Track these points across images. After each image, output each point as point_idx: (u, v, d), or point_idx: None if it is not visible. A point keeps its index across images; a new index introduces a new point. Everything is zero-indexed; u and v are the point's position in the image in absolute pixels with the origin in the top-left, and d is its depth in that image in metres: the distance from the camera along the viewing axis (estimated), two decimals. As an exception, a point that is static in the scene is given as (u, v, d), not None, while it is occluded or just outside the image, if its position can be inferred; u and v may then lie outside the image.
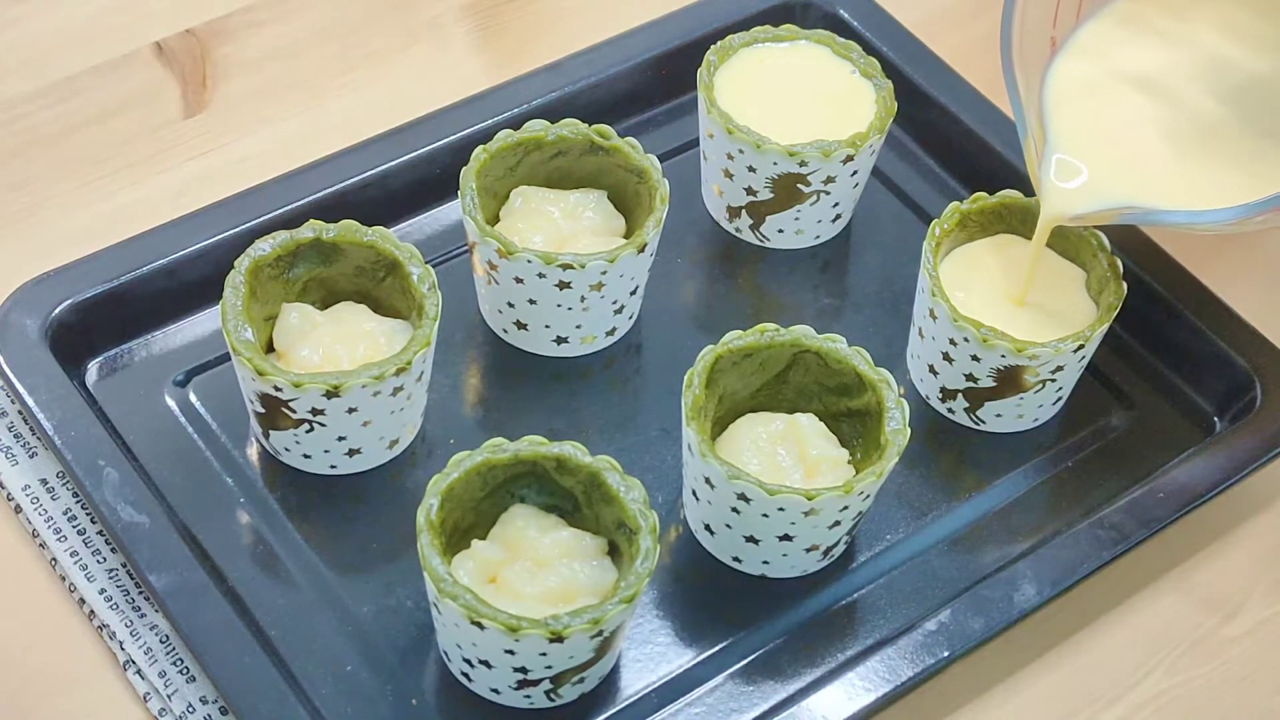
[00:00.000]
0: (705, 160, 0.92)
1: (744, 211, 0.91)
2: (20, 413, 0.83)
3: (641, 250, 0.84)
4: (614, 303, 0.86)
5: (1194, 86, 0.86)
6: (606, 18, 1.01)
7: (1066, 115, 0.85)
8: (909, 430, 0.78)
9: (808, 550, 0.79)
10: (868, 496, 0.78)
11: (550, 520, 0.77)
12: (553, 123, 0.87)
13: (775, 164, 0.88)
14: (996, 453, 0.86)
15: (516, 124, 0.88)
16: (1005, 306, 0.85)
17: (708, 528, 0.80)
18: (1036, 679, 0.80)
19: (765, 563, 0.80)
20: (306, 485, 0.82)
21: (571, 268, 0.82)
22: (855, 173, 0.90)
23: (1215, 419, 0.87)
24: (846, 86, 0.92)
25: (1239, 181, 0.82)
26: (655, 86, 0.97)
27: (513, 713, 0.76)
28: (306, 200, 0.88)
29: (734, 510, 0.77)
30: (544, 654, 0.72)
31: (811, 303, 0.91)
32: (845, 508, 0.77)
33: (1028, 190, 0.89)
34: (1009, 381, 0.83)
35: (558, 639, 0.71)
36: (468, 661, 0.74)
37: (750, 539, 0.78)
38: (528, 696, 0.75)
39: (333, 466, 0.82)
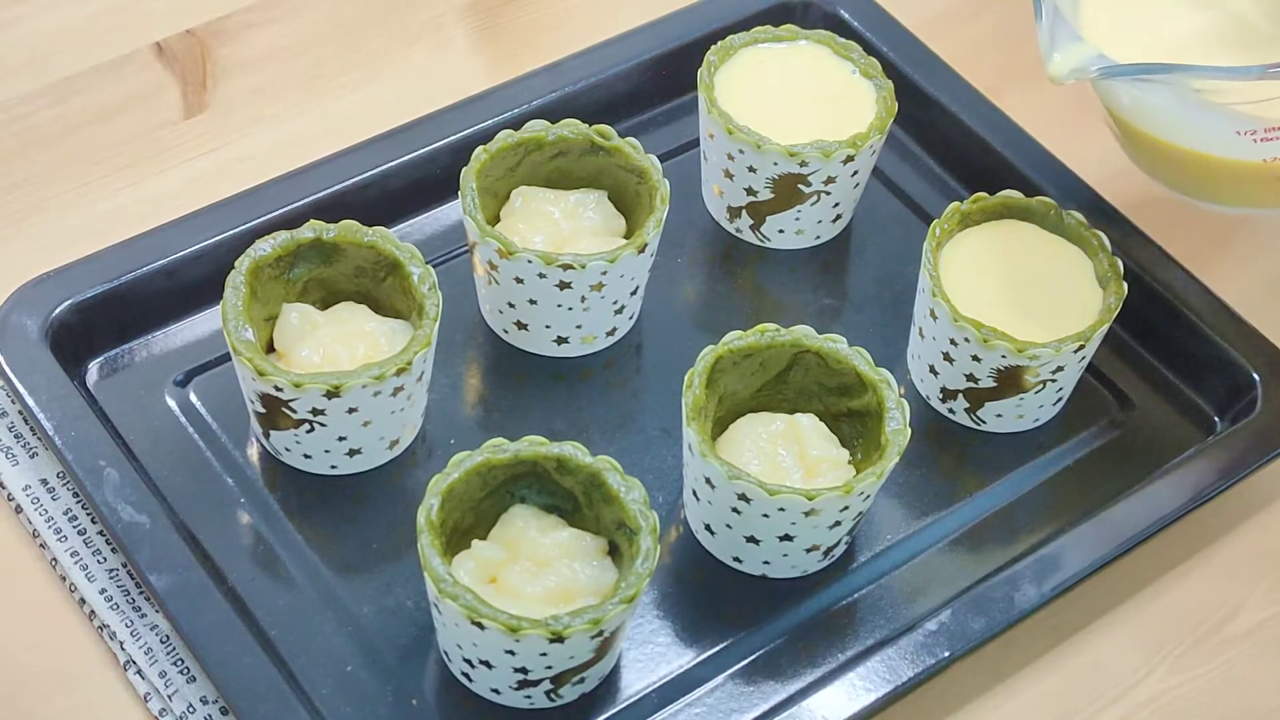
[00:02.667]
0: (705, 160, 0.92)
1: (744, 211, 0.91)
2: (20, 413, 0.83)
3: (642, 250, 0.84)
4: (614, 303, 0.86)
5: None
6: (606, 18, 1.01)
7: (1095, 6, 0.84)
8: (909, 430, 0.78)
9: (808, 550, 0.79)
10: (868, 497, 0.78)
11: (550, 520, 0.77)
12: (553, 123, 0.87)
13: (775, 164, 0.88)
14: (996, 453, 0.86)
15: (516, 124, 0.88)
16: (1011, 296, 0.85)
17: (708, 528, 0.80)
18: (1036, 679, 0.80)
19: (766, 563, 0.80)
20: (306, 485, 0.82)
21: (572, 268, 0.82)
22: (855, 173, 0.90)
23: (1215, 419, 0.87)
24: (846, 86, 0.92)
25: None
26: (655, 86, 0.97)
27: (513, 713, 0.76)
28: (306, 200, 0.88)
29: (734, 510, 0.77)
30: (544, 654, 0.72)
31: (812, 303, 0.91)
32: (845, 508, 0.77)
33: (1028, 190, 0.89)
34: (1009, 381, 0.83)
35: (558, 639, 0.71)
36: (468, 662, 0.74)
37: (751, 539, 0.78)
38: (528, 697, 0.75)
39: (333, 467, 0.82)
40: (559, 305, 0.84)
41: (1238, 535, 0.85)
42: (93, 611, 0.78)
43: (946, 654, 0.77)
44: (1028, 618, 0.78)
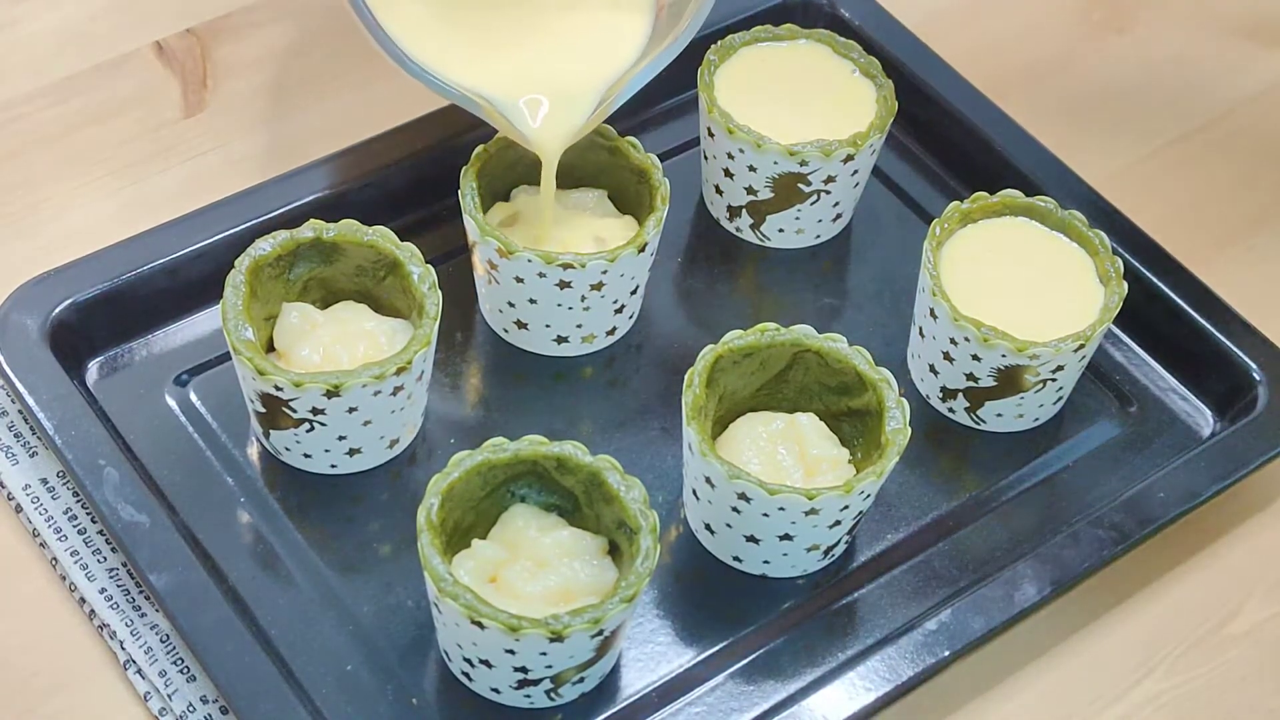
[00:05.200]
0: (705, 160, 0.92)
1: (744, 211, 0.91)
2: (20, 412, 0.83)
3: (642, 250, 0.84)
4: (614, 302, 0.86)
5: None
6: (607, 18, 1.01)
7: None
8: (909, 430, 0.78)
9: (808, 550, 0.79)
10: (868, 496, 0.78)
11: (550, 520, 0.77)
12: (553, 122, 0.87)
13: (775, 163, 0.88)
14: (996, 453, 0.86)
15: (517, 124, 0.88)
16: (1012, 296, 0.84)
17: (708, 527, 0.80)
18: (1036, 679, 0.80)
19: (765, 562, 0.80)
20: (306, 485, 0.82)
21: (572, 267, 0.82)
22: (856, 172, 0.90)
23: (1215, 419, 0.87)
24: (847, 86, 0.92)
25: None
26: (655, 86, 0.97)
27: (513, 712, 0.76)
28: (306, 200, 0.88)
29: (734, 510, 0.77)
30: (544, 653, 0.72)
31: (812, 302, 0.91)
32: (846, 507, 0.77)
33: (1028, 190, 0.89)
34: (1009, 381, 0.83)
35: (558, 638, 0.71)
36: (468, 661, 0.74)
37: (750, 538, 0.78)
38: (528, 696, 0.75)
39: (333, 466, 0.82)
40: (559, 305, 0.84)
41: (1238, 535, 0.85)
42: (93, 611, 0.78)
43: (946, 654, 0.77)
44: (1027, 617, 0.79)
